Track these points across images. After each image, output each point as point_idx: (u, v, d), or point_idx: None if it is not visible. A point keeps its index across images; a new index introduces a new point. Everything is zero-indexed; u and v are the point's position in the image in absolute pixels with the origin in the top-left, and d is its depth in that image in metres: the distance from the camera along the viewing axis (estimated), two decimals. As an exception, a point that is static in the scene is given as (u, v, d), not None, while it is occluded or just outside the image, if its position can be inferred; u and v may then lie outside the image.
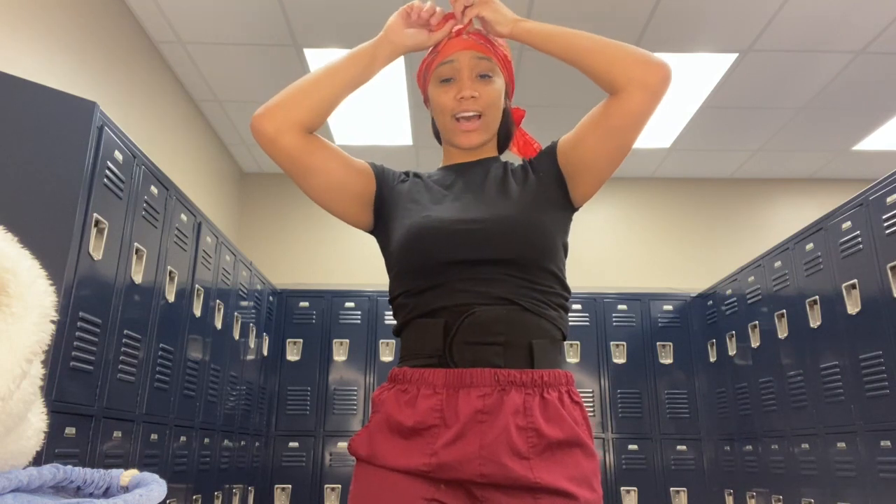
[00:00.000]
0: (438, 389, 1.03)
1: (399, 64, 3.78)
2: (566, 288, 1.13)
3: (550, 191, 1.16)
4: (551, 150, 1.19)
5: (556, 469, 0.99)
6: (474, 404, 1.00)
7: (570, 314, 1.18)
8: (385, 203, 1.18)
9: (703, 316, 4.30)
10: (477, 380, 1.02)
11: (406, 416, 1.03)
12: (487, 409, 1.00)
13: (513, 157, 1.33)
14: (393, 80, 3.96)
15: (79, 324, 1.94)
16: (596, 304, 4.40)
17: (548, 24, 1.13)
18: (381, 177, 1.20)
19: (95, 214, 2.00)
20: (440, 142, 1.29)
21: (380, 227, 1.20)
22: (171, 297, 2.61)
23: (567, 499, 0.97)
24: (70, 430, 1.90)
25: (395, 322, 1.16)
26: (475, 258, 1.07)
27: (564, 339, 1.13)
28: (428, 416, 1.01)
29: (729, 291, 3.94)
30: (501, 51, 1.21)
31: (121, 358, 2.20)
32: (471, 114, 1.16)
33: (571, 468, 1.00)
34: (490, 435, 0.99)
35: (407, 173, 1.25)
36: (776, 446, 3.37)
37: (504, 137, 1.28)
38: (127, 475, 0.63)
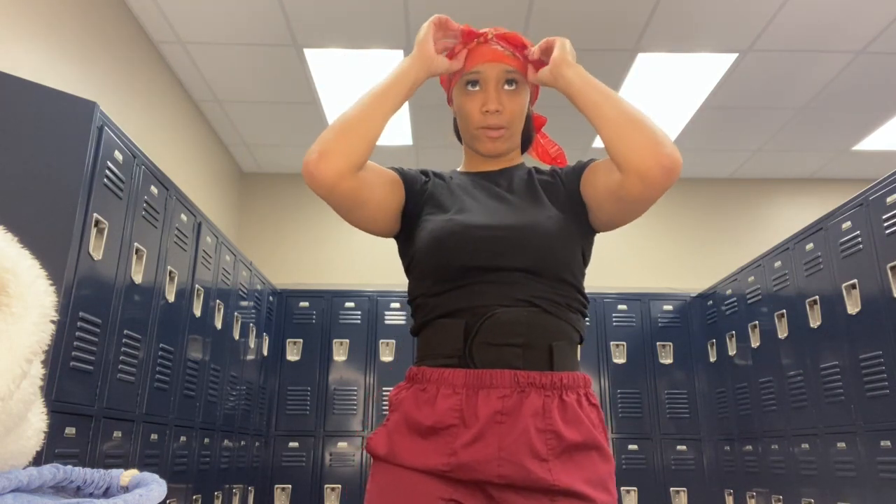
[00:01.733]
0: (458, 389, 1.03)
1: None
2: (584, 296, 1.14)
3: (576, 206, 1.15)
4: (580, 169, 1.17)
5: (574, 471, 0.99)
6: (494, 405, 1.01)
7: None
8: (412, 209, 1.18)
9: (703, 316, 4.30)
10: (497, 381, 1.02)
11: (425, 415, 1.03)
12: (507, 411, 1.00)
13: (532, 161, 1.32)
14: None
15: (79, 324, 1.94)
16: (596, 304, 4.39)
17: (589, 78, 1.09)
18: (408, 183, 1.19)
19: (95, 214, 2.00)
20: (461, 141, 1.29)
21: (404, 231, 1.19)
22: (171, 297, 2.61)
23: (584, 501, 0.98)
24: (70, 430, 1.90)
25: (413, 322, 1.16)
26: (496, 264, 1.07)
27: (581, 341, 1.13)
28: (447, 415, 1.02)
29: (729, 291, 3.94)
30: (530, 59, 1.18)
31: (121, 358, 2.20)
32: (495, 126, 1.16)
33: (588, 471, 1.01)
34: (509, 436, 0.99)
35: (425, 172, 1.24)
36: (776, 446, 3.37)
37: (525, 142, 1.28)
38: (127, 475, 0.63)
